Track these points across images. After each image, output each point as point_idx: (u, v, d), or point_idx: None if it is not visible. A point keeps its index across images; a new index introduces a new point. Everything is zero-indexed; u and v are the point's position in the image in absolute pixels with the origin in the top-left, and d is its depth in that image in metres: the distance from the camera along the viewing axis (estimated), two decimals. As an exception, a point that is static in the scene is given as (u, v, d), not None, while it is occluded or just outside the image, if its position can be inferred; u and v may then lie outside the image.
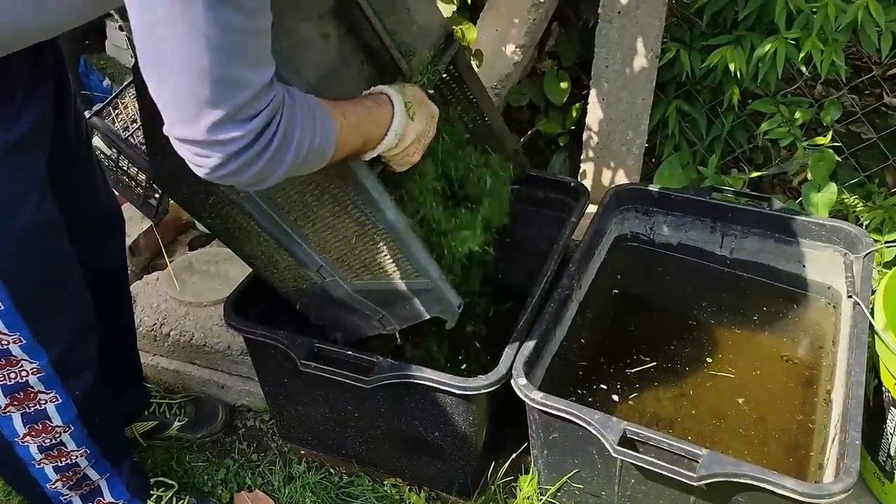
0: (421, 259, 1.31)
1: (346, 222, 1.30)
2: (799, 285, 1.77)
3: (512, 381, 1.38)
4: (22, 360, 1.29)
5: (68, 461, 1.47)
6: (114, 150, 1.87)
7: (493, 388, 1.38)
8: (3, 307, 1.20)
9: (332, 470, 1.75)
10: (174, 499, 1.67)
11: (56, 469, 1.46)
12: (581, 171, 2.35)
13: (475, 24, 2.22)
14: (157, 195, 1.96)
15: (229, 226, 1.42)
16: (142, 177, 1.91)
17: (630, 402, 1.55)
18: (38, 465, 1.44)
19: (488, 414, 1.49)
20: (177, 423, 1.85)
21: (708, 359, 1.64)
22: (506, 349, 1.43)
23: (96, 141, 1.82)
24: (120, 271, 1.65)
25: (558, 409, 1.33)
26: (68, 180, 1.39)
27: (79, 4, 1.09)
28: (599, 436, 1.28)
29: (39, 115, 1.20)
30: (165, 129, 0.95)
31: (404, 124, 1.22)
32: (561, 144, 2.44)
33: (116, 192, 2.01)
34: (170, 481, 1.71)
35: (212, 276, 2.07)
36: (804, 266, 1.76)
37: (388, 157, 1.27)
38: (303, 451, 1.79)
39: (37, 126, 1.19)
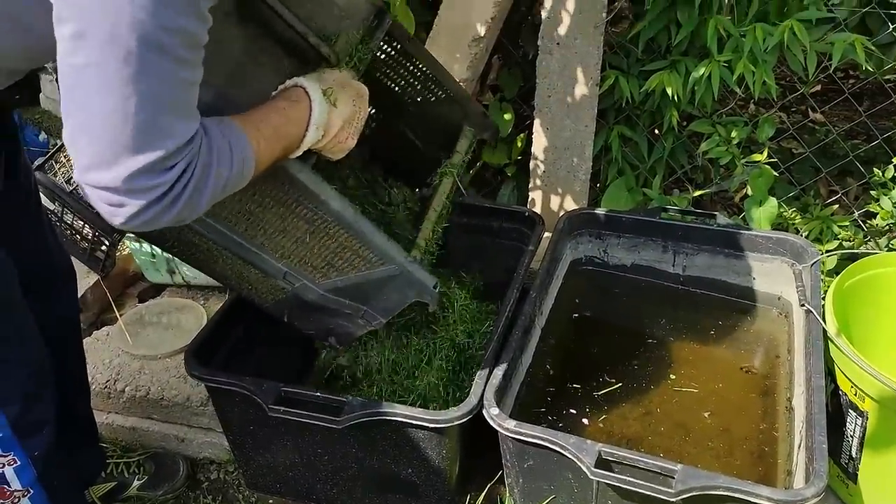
0: (379, 244, 1.29)
1: (296, 222, 1.27)
2: (750, 297, 1.82)
3: (484, 411, 1.38)
4: (-22, 421, 1.24)
5: (28, 528, 1.40)
6: (58, 203, 1.82)
7: (464, 420, 1.37)
8: (-45, 367, 1.16)
9: (302, 516, 1.71)
10: (139, 561, 1.61)
11: (15, 538, 1.40)
12: (530, 199, 2.38)
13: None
14: (103, 248, 1.91)
15: (192, 250, 1.38)
16: (87, 230, 1.86)
17: (600, 424, 1.56)
18: None
19: (460, 446, 1.48)
20: (136, 482, 1.78)
21: (671, 375, 1.67)
22: (475, 379, 1.43)
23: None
24: (72, 326, 1.60)
25: (533, 437, 1.33)
26: (19, 235, 1.35)
27: (17, 57, 1.07)
28: (576, 459, 1.29)
29: None
30: (76, 175, 0.92)
31: (325, 114, 1.18)
32: (509, 174, 2.47)
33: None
34: (133, 543, 1.65)
35: (165, 328, 2.02)
36: (754, 278, 1.81)
37: (320, 149, 1.24)
38: (271, 501, 1.74)
39: None
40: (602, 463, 1.28)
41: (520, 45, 2.37)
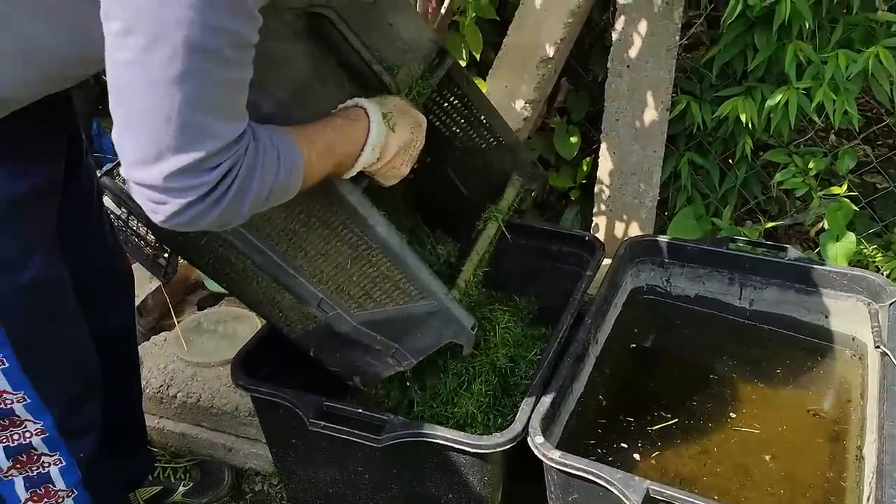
0: (421, 277, 1.26)
1: (339, 246, 1.25)
2: (822, 336, 1.72)
3: (528, 440, 1.33)
4: (25, 420, 1.26)
5: (71, 528, 1.41)
6: (124, 209, 1.86)
7: (508, 447, 1.32)
8: (7, 365, 1.18)
9: (342, 535, 1.68)
10: (178, 568, 1.61)
11: (59, 535, 1.41)
12: (593, 224, 2.33)
13: (485, 79, 2.24)
14: (166, 255, 1.94)
15: (228, 270, 1.38)
16: (151, 237, 1.90)
17: (652, 461, 1.49)
18: None
19: (503, 474, 1.43)
20: (181, 489, 1.79)
21: (731, 414, 1.58)
22: (521, 406, 1.38)
23: (106, 201, 1.81)
24: (128, 332, 1.62)
25: (578, 469, 1.27)
26: (79, 239, 1.38)
27: (73, 65, 1.09)
28: (622, 496, 1.22)
29: (49, 171, 1.20)
30: (122, 171, 0.92)
31: (383, 136, 1.17)
32: (572, 198, 2.42)
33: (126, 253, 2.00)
34: (174, 549, 1.65)
35: (220, 336, 2.03)
36: (826, 317, 1.71)
37: (374, 172, 1.22)
38: (312, 517, 1.72)
39: (46, 183, 1.18)
40: (650, 501, 1.22)
41: (589, 67, 2.33)
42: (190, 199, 0.91)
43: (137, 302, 2.11)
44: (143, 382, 1.92)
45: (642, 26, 2.02)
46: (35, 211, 1.16)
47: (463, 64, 2.07)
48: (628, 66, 2.08)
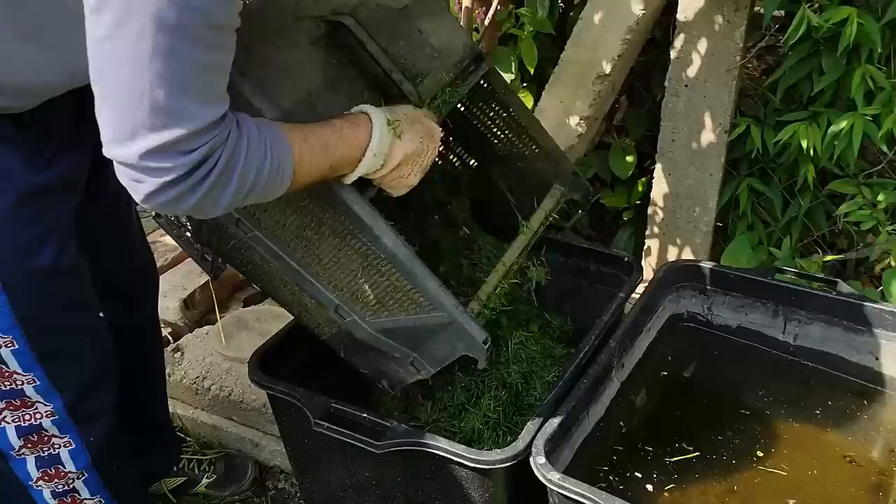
0: (430, 289, 1.24)
1: (350, 255, 1.25)
2: (870, 379, 1.60)
3: (531, 459, 1.29)
4: (36, 401, 1.30)
5: (82, 510, 1.46)
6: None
7: (508, 464, 1.29)
8: (17, 346, 1.22)
9: (353, 541, 1.68)
10: (192, 556, 1.64)
11: (70, 517, 1.46)
12: (646, 247, 2.26)
13: (540, 94, 2.21)
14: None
15: (258, 272, 1.40)
16: (197, 232, 1.96)
17: (666, 494, 1.42)
18: None
19: (508, 495, 1.40)
20: (205, 480, 1.84)
21: (759, 453, 1.49)
22: (527, 424, 1.35)
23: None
24: (149, 329, 1.66)
25: (577, 494, 1.22)
26: (104, 234, 1.42)
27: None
28: (618, 527, 1.17)
29: (73, 164, 1.24)
30: (104, 149, 0.93)
31: (387, 143, 1.15)
32: (625, 219, 2.36)
33: (179, 247, 2.07)
34: (190, 538, 1.68)
35: (259, 334, 2.07)
36: (877, 358, 1.60)
37: (380, 180, 1.21)
38: (328, 520, 1.73)
39: (69, 175, 1.23)
40: (646, 536, 1.16)
41: (650, 87, 2.27)
42: (165, 180, 0.91)
43: (185, 295, 2.19)
44: (181, 373, 1.98)
45: (702, 45, 1.95)
46: (55, 200, 1.20)
47: (511, 77, 2.05)
48: (686, 86, 2.01)
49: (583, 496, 1.22)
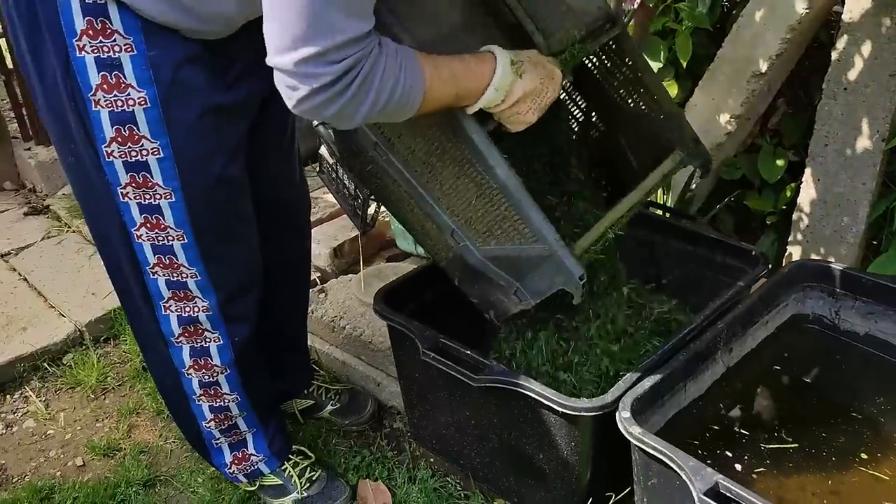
0: (534, 219, 1.32)
1: (467, 183, 1.36)
2: None
3: (617, 413, 1.35)
4: (196, 296, 1.51)
5: (222, 403, 1.66)
6: (335, 159, 2.12)
7: (595, 413, 1.36)
8: (186, 241, 1.43)
9: (450, 480, 1.79)
10: (308, 468, 1.82)
11: (211, 409, 1.66)
12: (787, 253, 2.21)
13: (693, 91, 2.23)
14: (363, 206, 2.18)
15: (389, 195, 1.53)
16: (353, 188, 2.15)
17: (754, 476, 1.42)
18: (198, 400, 1.65)
19: (595, 445, 1.45)
20: (329, 407, 2.01)
21: (862, 454, 1.45)
22: (619, 381, 1.40)
23: (322, 149, 2.09)
24: (298, 260, 1.85)
25: (654, 449, 1.27)
26: (267, 163, 1.61)
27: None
28: (690, 484, 1.21)
29: (248, 91, 1.42)
30: (267, 59, 1.07)
31: (509, 81, 1.25)
32: (769, 224, 2.31)
33: (336, 202, 2.26)
34: (310, 453, 1.86)
35: (396, 286, 2.24)
36: None
37: (499, 115, 1.31)
38: (432, 458, 1.85)
39: (244, 99, 1.42)
40: (717, 496, 1.18)
41: (810, 92, 2.22)
42: (316, 86, 1.05)
43: (336, 244, 2.40)
44: (322, 311, 2.18)
45: (866, 48, 1.90)
46: (231, 119, 1.39)
47: (658, 65, 2.09)
48: (845, 89, 1.96)
49: (660, 451, 1.26)
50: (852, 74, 1.94)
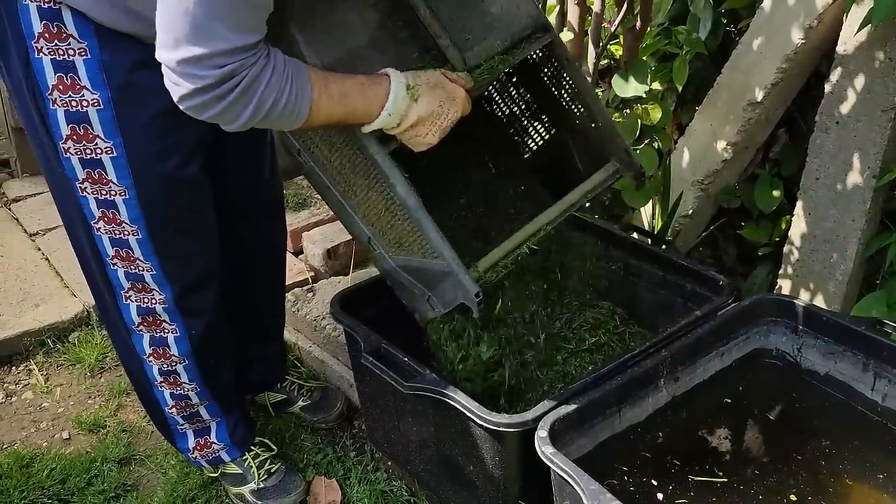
0: (432, 239, 1.35)
1: (375, 196, 1.40)
2: (953, 457, 1.46)
3: (536, 433, 1.36)
4: (153, 289, 1.57)
5: (181, 391, 1.73)
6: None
7: (515, 430, 1.37)
8: (140, 236, 1.50)
9: (399, 485, 1.83)
10: (268, 461, 1.88)
11: (172, 396, 1.73)
12: (777, 286, 2.17)
13: (693, 115, 2.21)
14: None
15: (324, 196, 1.56)
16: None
17: (674, 507, 1.41)
18: (160, 387, 1.72)
19: (520, 460, 1.46)
20: (301, 403, 2.07)
21: (793, 497, 1.42)
22: (545, 399, 1.41)
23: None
24: (270, 253, 1.90)
25: (560, 469, 1.28)
26: (237, 163, 1.67)
27: None
28: (589, 508, 1.21)
29: None
30: (155, 53, 1.12)
31: (403, 105, 1.28)
32: (760, 255, 2.27)
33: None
34: (272, 446, 1.92)
35: (381, 291, 2.28)
36: (967, 437, 1.45)
37: (399, 136, 1.34)
38: (389, 463, 1.89)
39: None
40: (611, 523, 1.19)
41: (812, 122, 2.17)
42: (196, 87, 1.10)
43: (330, 246, 2.46)
44: (307, 310, 2.24)
45: (859, 81, 1.85)
46: (184, 122, 1.40)
47: (644, 88, 2.08)
48: (837, 123, 1.92)
49: (566, 472, 1.27)
50: (845, 108, 1.90)
